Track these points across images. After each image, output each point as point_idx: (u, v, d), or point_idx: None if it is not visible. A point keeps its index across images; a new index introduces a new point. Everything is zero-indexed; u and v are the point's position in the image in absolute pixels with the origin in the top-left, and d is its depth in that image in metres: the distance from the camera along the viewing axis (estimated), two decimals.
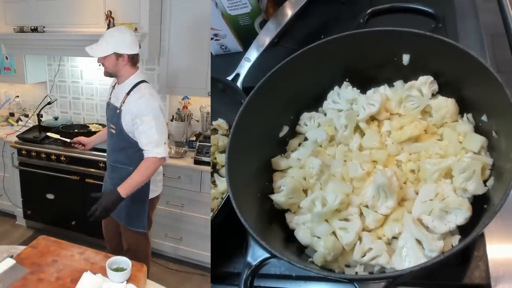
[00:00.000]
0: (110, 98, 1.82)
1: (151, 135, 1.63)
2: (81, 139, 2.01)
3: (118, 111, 1.70)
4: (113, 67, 1.68)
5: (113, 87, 1.82)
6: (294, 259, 0.90)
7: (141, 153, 1.67)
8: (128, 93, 1.69)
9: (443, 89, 1.04)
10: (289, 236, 1.03)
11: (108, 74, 1.72)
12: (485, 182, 0.89)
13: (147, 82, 1.75)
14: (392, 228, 0.92)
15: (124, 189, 1.63)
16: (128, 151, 1.73)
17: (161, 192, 1.93)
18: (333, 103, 1.15)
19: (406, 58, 1.05)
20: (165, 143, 1.67)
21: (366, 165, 1.00)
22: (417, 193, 0.95)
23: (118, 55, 1.66)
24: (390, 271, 0.87)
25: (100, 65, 1.70)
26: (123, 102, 1.69)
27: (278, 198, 1.04)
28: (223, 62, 1.58)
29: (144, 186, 1.73)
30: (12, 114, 3.14)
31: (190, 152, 2.50)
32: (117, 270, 1.19)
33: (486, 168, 0.90)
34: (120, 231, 1.93)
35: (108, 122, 1.82)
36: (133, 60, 1.72)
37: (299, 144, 1.17)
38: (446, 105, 1.00)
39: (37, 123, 2.85)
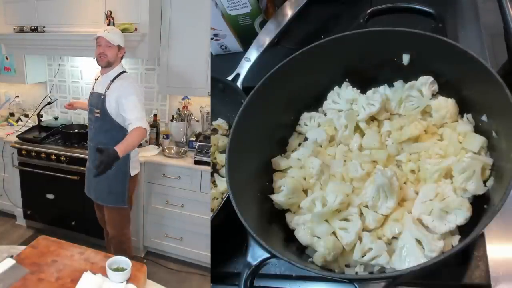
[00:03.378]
0: (93, 88, 2.11)
1: (136, 111, 1.90)
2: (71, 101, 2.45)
3: (102, 96, 1.97)
4: (114, 56, 1.98)
5: (96, 79, 2.12)
6: (294, 259, 0.90)
7: (122, 133, 1.93)
8: (112, 81, 1.98)
9: (443, 89, 1.04)
10: (289, 236, 1.02)
11: (107, 63, 1.98)
12: (485, 182, 0.89)
13: (126, 72, 2.06)
14: (392, 228, 0.92)
15: (120, 149, 1.83)
16: (112, 132, 1.97)
17: (138, 172, 2.17)
18: (333, 103, 1.15)
19: (406, 58, 1.05)
20: (146, 121, 1.94)
21: (366, 165, 1.00)
22: (417, 193, 0.95)
23: (120, 48, 1.99)
24: (390, 271, 0.87)
25: (94, 58, 2.00)
26: (108, 89, 1.97)
27: (278, 198, 1.04)
28: (223, 62, 1.58)
29: (123, 164, 1.98)
30: (12, 114, 3.14)
31: (190, 152, 2.50)
32: (117, 270, 1.19)
33: (486, 168, 0.90)
34: None
35: (91, 108, 2.06)
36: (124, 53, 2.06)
37: (299, 144, 1.17)
38: (446, 105, 1.00)
39: (37, 123, 2.85)
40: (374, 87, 1.12)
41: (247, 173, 1.06)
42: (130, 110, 1.90)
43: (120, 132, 1.94)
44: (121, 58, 2.04)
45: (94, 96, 2.05)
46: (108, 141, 1.94)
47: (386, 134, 1.05)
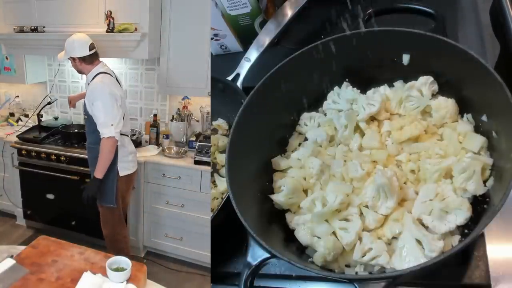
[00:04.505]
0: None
1: (99, 118, 1.91)
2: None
3: (84, 100, 2.04)
4: (75, 66, 2.08)
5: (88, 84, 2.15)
6: (294, 259, 0.90)
7: None
8: (88, 84, 2.04)
9: (443, 89, 1.04)
10: (289, 236, 1.03)
11: (77, 71, 2.11)
12: (485, 182, 0.89)
13: (105, 73, 2.03)
14: (392, 228, 0.92)
15: (98, 172, 1.94)
16: (96, 133, 1.98)
17: (135, 171, 2.18)
18: (333, 103, 1.15)
19: (406, 58, 1.05)
20: (112, 125, 1.91)
21: (366, 165, 1.00)
22: (417, 193, 0.95)
23: (73, 58, 2.04)
24: (390, 271, 0.87)
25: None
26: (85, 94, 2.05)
27: (278, 198, 1.04)
28: (223, 62, 1.58)
29: (111, 166, 1.99)
30: (12, 114, 3.14)
31: (190, 152, 2.50)
32: (117, 270, 1.19)
33: (486, 168, 0.90)
34: None
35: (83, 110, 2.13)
36: (86, 60, 2.03)
37: (299, 144, 1.17)
38: (446, 105, 1.00)
39: (37, 123, 2.85)
40: (374, 87, 1.12)
41: (247, 173, 1.06)
42: (96, 117, 1.93)
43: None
44: (89, 63, 2.04)
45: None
46: (95, 141, 2.01)
47: (386, 134, 1.05)
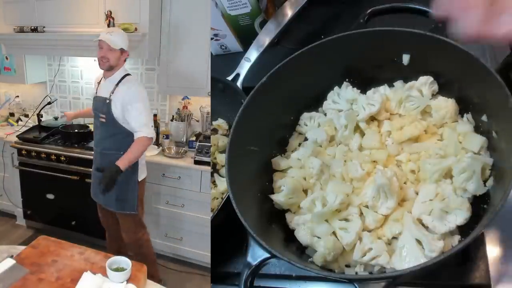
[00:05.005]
0: (96, 92, 2.04)
1: (141, 119, 1.87)
2: (66, 113, 2.38)
3: (108, 101, 1.90)
4: (116, 60, 1.90)
5: (99, 83, 2.04)
6: (294, 259, 0.90)
7: (129, 138, 1.90)
8: (117, 84, 1.91)
9: (443, 89, 1.03)
10: (289, 236, 1.02)
11: (109, 67, 1.90)
12: (485, 182, 0.89)
13: (130, 75, 1.99)
14: (392, 228, 0.92)
15: (123, 163, 1.84)
16: (118, 137, 1.92)
17: (146, 176, 2.13)
18: (333, 103, 1.14)
19: (406, 58, 1.05)
20: (152, 126, 1.93)
21: (366, 165, 1.00)
22: (417, 193, 0.95)
23: (122, 51, 1.91)
24: (390, 271, 0.87)
25: (95, 60, 1.96)
26: (113, 93, 1.90)
27: (278, 198, 1.04)
28: (223, 62, 1.58)
29: (131, 172, 1.95)
30: (12, 114, 3.14)
31: (190, 152, 2.50)
32: (117, 270, 1.19)
33: (486, 168, 0.89)
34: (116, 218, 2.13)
35: (96, 113, 2.00)
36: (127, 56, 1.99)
37: (299, 144, 1.17)
38: (446, 105, 1.00)
39: (37, 123, 2.85)
40: (374, 87, 1.12)
41: (247, 173, 1.06)
42: (135, 118, 1.87)
43: (126, 137, 1.91)
44: (125, 60, 1.97)
45: (98, 101, 1.99)
46: (114, 147, 1.94)
47: (386, 134, 1.05)
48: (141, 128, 1.87)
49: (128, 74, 1.97)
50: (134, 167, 1.96)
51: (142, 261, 1.34)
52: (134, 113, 1.87)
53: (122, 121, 1.91)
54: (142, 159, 2.05)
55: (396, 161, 1.01)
